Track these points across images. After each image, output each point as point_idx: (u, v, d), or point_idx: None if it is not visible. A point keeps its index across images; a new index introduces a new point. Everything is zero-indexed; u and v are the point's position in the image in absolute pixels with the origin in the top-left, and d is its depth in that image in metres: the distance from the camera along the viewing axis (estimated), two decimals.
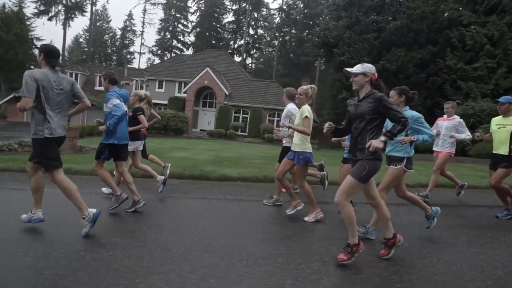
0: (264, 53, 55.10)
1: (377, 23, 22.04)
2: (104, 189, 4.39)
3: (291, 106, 4.18)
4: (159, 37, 50.75)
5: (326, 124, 2.73)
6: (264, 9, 51.81)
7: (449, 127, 4.75)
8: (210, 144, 15.38)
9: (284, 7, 49.47)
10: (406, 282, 2.31)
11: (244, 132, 23.35)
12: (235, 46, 52.48)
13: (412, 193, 3.30)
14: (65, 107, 2.89)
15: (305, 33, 48.74)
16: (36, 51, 3.39)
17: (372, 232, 3.17)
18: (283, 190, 4.81)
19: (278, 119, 23.37)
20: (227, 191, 5.01)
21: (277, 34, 51.18)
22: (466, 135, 4.71)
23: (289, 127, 3.67)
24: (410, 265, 2.61)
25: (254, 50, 53.89)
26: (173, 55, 51.93)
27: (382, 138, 2.40)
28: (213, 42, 50.90)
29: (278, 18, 51.60)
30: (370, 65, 2.63)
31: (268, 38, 53.45)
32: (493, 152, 4.21)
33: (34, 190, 2.91)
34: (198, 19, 50.37)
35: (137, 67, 45.80)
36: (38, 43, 35.45)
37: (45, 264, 2.27)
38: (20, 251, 2.47)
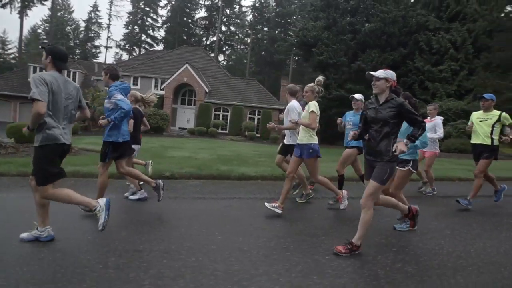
0: (236, 50, 54.90)
1: (353, 25, 23.00)
2: (130, 196, 4.19)
3: (293, 103, 4.17)
4: (127, 31, 48.37)
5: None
6: (237, 6, 51.55)
7: (429, 128, 4.98)
8: (196, 142, 15.08)
9: (257, 5, 49.68)
10: (474, 265, 2.56)
11: (224, 130, 23.18)
12: (208, 42, 51.68)
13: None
14: (72, 113, 2.71)
15: (277, 31, 49.48)
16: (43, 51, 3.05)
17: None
18: (311, 186, 4.96)
19: (259, 117, 23.51)
20: (254, 190, 5.03)
21: (249, 32, 51.30)
22: (437, 135, 5.06)
23: (296, 122, 3.76)
24: (465, 251, 2.87)
25: (226, 47, 53.55)
26: (142, 50, 49.90)
27: (406, 142, 2.54)
28: (185, 37, 49.70)
29: (251, 16, 51.81)
30: (392, 71, 2.75)
31: (241, 36, 53.40)
32: (473, 142, 4.57)
33: (41, 205, 2.61)
34: (168, 14, 48.81)
35: (103, 61, 43.25)
36: None
37: (136, 275, 2.17)
38: (96, 262, 2.34)
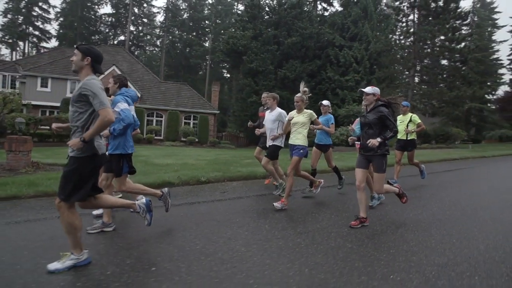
0: (147, 52, 51.89)
1: (277, 37, 25.61)
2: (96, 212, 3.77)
3: (281, 110, 4.83)
4: (6, 20, 39.52)
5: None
6: (146, 6, 48.75)
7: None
8: (150, 149, 14.37)
9: (170, 6, 48.24)
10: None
11: (159, 136, 22.24)
12: (115, 42, 47.07)
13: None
14: None
15: (191, 36, 49.23)
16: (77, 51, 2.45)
17: (381, 197, 4.47)
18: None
19: (195, 121, 23.52)
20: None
21: (162, 33, 49.33)
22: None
23: (316, 129, 4.73)
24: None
25: (134, 47, 49.97)
26: (30, 44, 41.75)
27: (379, 139, 3.25)
28: (86, 34, 44.01)
29: (163, 17, 49.86)
30: (377, 88, 3.57)
31: (152, 37, 50.78)
32: (398, 138, 6.14)
33: (70, 232, 2.35)
34: (64, 5, 42.25)
35: None
36: None
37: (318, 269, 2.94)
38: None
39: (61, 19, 42.34)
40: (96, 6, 44.64)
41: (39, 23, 42.19)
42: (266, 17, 26.39)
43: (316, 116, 4.50)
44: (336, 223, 3.53)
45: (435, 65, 20.70)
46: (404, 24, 20.87)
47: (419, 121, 6.12)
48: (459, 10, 19.25)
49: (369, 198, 4.13)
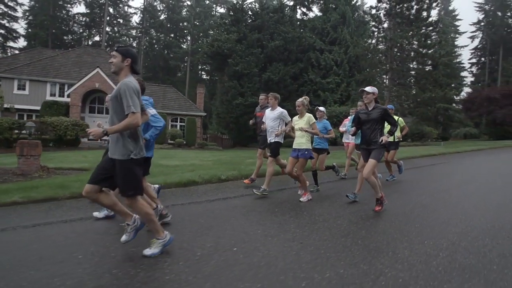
0: None
1: (260, 41, 26.27)
2: (96, 213, 3.91)
3: (282, 109, 5.12)
4: None
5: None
6: (122, 6, 47.58)
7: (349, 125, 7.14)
8: None
9: (147, 7, 47.43)
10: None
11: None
12: (89, 42, 45.48)
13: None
14: None
15: (170, 38, 48.69)
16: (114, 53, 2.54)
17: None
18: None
19: (182, 124, 23.57)
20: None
21: (139, 34, 48.39)
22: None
23: (306, 131, 4.72)
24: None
25: (109, 49, 48.55)
26: None
27: (388, 135, 3.80)
28: (58, 34, 42.18)
29: (139, 18, 48.88)
30: (375, 88, 4.02)
31: (128, 38, 49.59)
32: None
33: (148, 220, 2.67)
34: (33, 3, 40.23)
35: None
36: None
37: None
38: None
39: (30, 17, 40.27)
40: (69, 5, 42.91)
41: (4, 22, 39.81)
42: (250, 20, 26.98)
43: (314, 120, 4.82)
44: (361, 208, 4.16)
45: (408, 68, 22.37)
46: (380, 30, 22.35)
47: (404, 124, 6.62)
48: (430, 19, 21.04)
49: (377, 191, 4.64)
